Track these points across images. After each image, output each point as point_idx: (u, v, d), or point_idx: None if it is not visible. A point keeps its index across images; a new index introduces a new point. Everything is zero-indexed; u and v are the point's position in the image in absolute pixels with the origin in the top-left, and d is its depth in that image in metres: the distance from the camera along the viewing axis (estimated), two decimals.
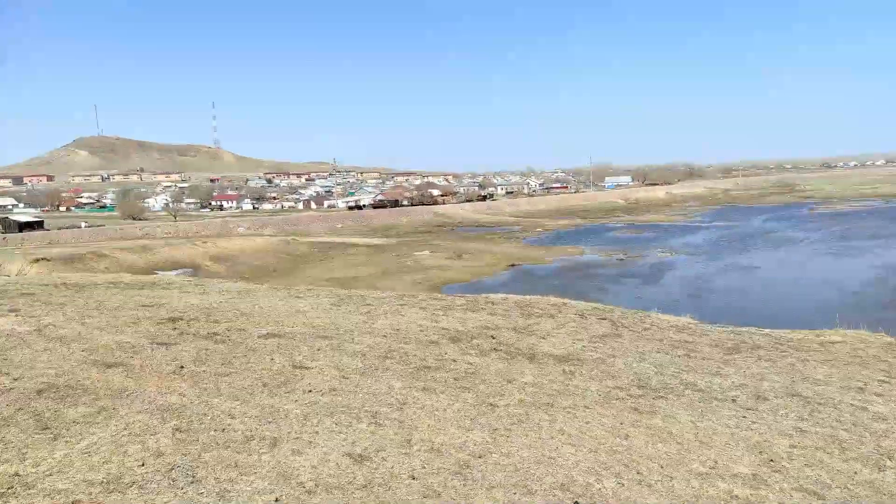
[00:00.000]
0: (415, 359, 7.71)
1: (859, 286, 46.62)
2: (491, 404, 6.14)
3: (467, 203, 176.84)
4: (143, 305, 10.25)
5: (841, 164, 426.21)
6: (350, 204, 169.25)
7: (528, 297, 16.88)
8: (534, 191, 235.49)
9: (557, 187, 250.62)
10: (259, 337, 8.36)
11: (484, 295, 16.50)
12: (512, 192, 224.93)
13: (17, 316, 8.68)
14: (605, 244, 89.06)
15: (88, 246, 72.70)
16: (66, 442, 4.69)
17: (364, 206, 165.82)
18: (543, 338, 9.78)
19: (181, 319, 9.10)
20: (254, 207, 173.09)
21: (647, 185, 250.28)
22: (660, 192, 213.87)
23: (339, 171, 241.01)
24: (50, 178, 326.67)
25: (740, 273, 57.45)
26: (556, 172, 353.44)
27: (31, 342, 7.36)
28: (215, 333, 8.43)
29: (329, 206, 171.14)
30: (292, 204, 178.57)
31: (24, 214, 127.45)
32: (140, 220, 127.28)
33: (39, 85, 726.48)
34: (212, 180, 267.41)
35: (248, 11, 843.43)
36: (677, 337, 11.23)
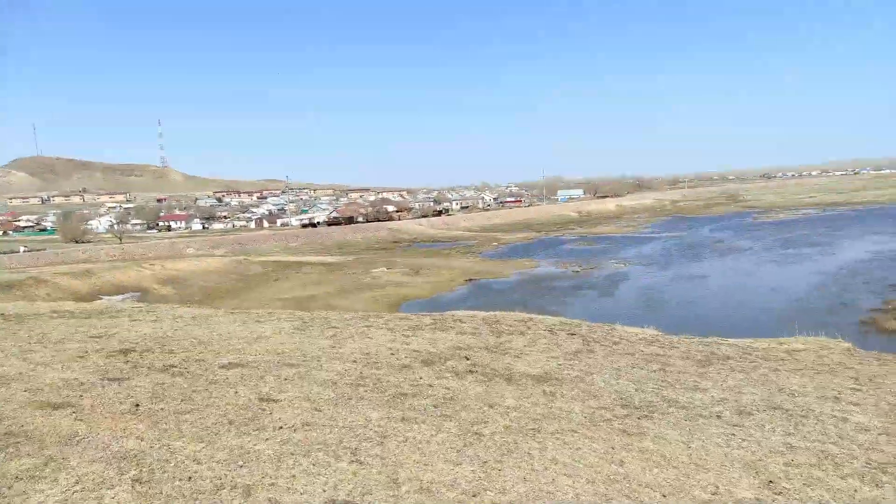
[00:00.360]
0: (389, 385, 7.31)
1: (805, 292, 48.46)
2: (476, 433, 5.80)
3: (423, 218, 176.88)
4: (92, 336, 9.51)
5: (780, 174, 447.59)
6: (304, 221, 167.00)
7: (495, 313, 16.68)
8: (488, 205, 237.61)
9: (511, 201, 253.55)
10: (220, 367, 7.81)
11: (450, 312, 16.19)
12: (467, 207, 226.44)
13: None
14: (560, 257, 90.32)
15: (27, 271, 69.09)
16: None
17: (318, 223, 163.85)
18: (518, 356, 9.53)
19: (133, 351, 8.44)
20: (203, 227, 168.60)
21: (598, 197, 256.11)
22: (610, 205, 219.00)
23: (291, 189, 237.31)
24: None
25: (693, 282, 59.00)
26: (510, 187, 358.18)
27: None
28: (172, 365, 7.83)
29: (283, 224, 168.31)
30: (244, 223, 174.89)
31: None
32: (83, 242, 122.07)
33: None
34: (159, 200, 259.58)
35: (192, 23, 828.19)
36: (648, 350, 11.17)
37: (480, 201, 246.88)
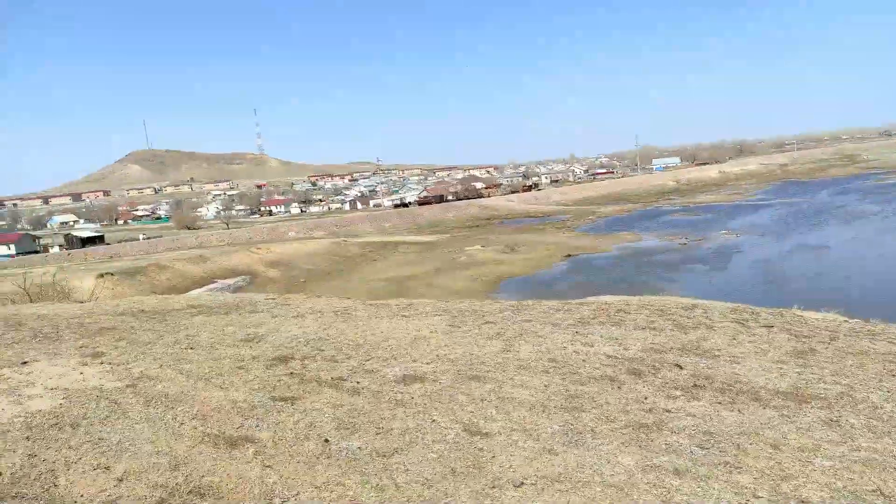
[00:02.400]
0: (614, 410, 5.82)
1: None
2: (803, 501, 4.11)
3: (513, 194, 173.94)
4: (242, 340, 8.66)
5: None
6: (396, 202, 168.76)
7: (649, 297, 14.76)
8: (579, 178, 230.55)
9: (603, 173, 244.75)
10: (396, 382, 6.64)
11: (595, 299, 14.46)
12: (557, 181, 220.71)
13: (102, 364, 7.20)
14: (662, 228, 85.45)
15: (149, 258, 73.61)
16: None
17: (410, 203, 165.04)
18: (733, 361, 7.76)
19: (292, 358, 7.45)
20: (301, 211, 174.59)
21: (697, 165, 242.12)
22: (712, 172, 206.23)
23: (382, 171, 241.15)
24: (106, 193, 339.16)
25: (823, 253, 53.32)
26: (600, 158, 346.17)
27: (126, 407, 5.80)
28: (341, 379, 6.74)
29: (375, 206, 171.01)
30: (339, 205, 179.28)
31: (85, 230, 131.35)
32: (194, 229, 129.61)
33: (91, 102, 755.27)
34: (259, 186, 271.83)
35: (280, 19, 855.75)
36: (881, 349, 8.98)
37: (571, 174, 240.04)
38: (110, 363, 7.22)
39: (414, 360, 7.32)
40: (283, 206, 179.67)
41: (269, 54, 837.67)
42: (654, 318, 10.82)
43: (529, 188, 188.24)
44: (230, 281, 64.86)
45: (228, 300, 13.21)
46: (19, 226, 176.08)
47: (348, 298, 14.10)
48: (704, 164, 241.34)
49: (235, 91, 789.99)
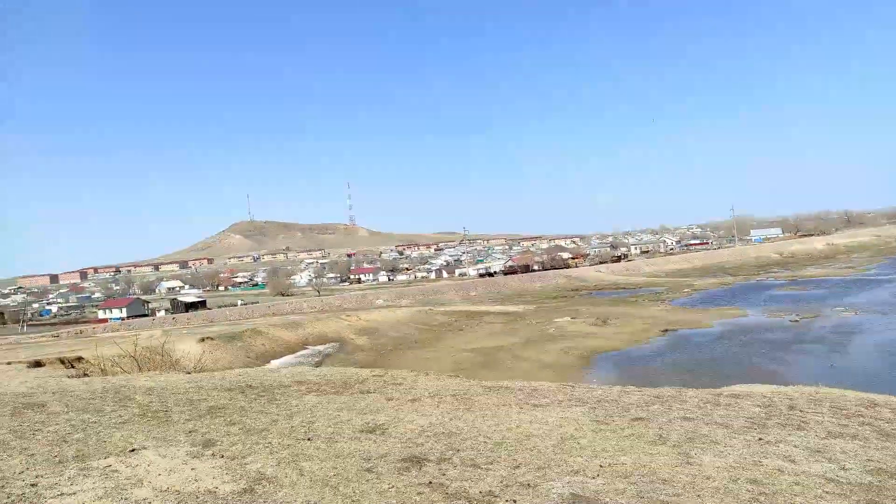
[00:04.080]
0: None
1: None
2: None
3: (601, 265, 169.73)
4: (361, 431, 7.62)
5: None
6: (481, 271, 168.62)
7: (807, 389, 12.54)
8: (671, 249, 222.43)
9: (697, 243, 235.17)
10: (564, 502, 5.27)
11: (737, 389, 12.43)
12: (647, 251, 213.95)
13: (214, 456, 6.34)
14: (767, 304, 79.49)
15: (245, 323, 76.27)
16: None
17: (495, 272, 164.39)
18: None
19: (426, 460, 6.27)
20: (389, 279, 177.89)
21: (800, 236, 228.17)
22: (818, 244, 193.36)
23: (467, 240, 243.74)
24: (210, 261, 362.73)
25: None
26: (692, 228, 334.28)
27: None
28: (492, 495, 5.45)
29: (460, 274, 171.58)
30: (424, 274, 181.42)
31: (188, 295, 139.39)
32: (288, 295, 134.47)
33: (201, 178, 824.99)
34: (349, 255, 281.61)
35: (369, 101, 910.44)
36: None
37: (662, 245, 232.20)
38: (223, 455, 6.36)
39: (575, 472, 5.93)
40: (371, 275, 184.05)
41: (364, 128, 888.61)
42: (841, 419, 8.85)
43: (619, 259, 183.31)
44: (321, 347, 65.69)
45: (335, 377, 12.34)
46: (131, 291, 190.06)
47: (462, 377, 12.88)
48: (808, 235, 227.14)
49: (330, 164, 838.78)
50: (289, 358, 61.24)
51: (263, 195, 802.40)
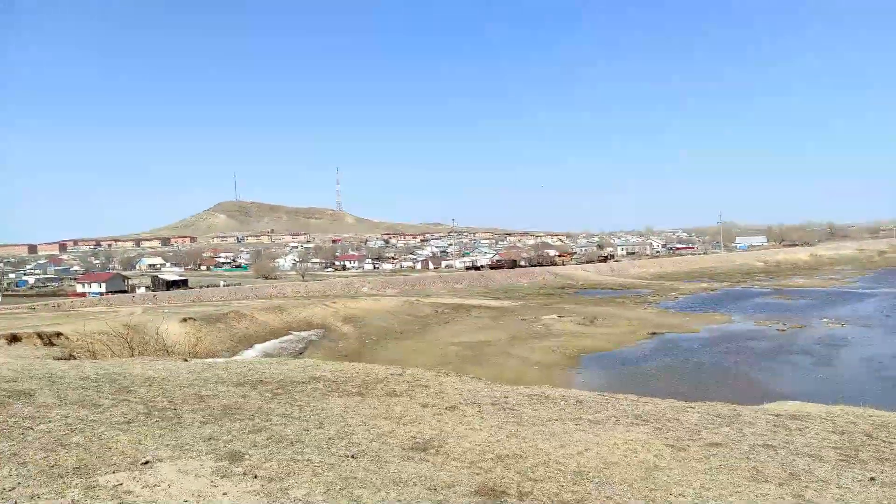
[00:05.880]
0: None
1: None
2: None
3: (589, 264, 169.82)
4: (413, 448, 6.58)
5: None
6: (467, 264, 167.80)
7: (837, 409, 11.70)
8: (657, 251, 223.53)
9: (683, 248, 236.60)
10: None
11: (785, 406, 11.62)
12: (634, 253, 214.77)
13: (245, 476, 5.23)
14: (754, 311, 79.65)
15: (229, 305, 74.60)
16: None
17: (482, 266, 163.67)
18: None
19: (506, 495, 5.20)
20: (374, 267, 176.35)
21: (784, 245, 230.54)
22: (802, 254, 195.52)
23: (454, 232, 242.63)
24: (193, 240, 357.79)
25: None
26: (677, 232, 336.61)
27: None
28: None
29: (447, 266, 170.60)
30: (410, 264, 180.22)
31: (170, 273, 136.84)
32: (272, 278, 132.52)
33: (187, 153, 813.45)
34: (334, 241, 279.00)
35: (366, 88, 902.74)
36: None
37: (648, 247, 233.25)
38: (255, 474, 5.28)
39: None
40: (356, 262, 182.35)
41: (356, 115, 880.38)
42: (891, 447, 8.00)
43: (605, 259, 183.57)
44: (305, 333, 64.32)
45: (351, 374, 11.27)
46: (112, 265, 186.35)
47: (484, 381, 11.89)
48: (793, 245, 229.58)
49: (319, 148, 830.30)
50: (273, 342, 59.86)
51: (251, 175, 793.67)
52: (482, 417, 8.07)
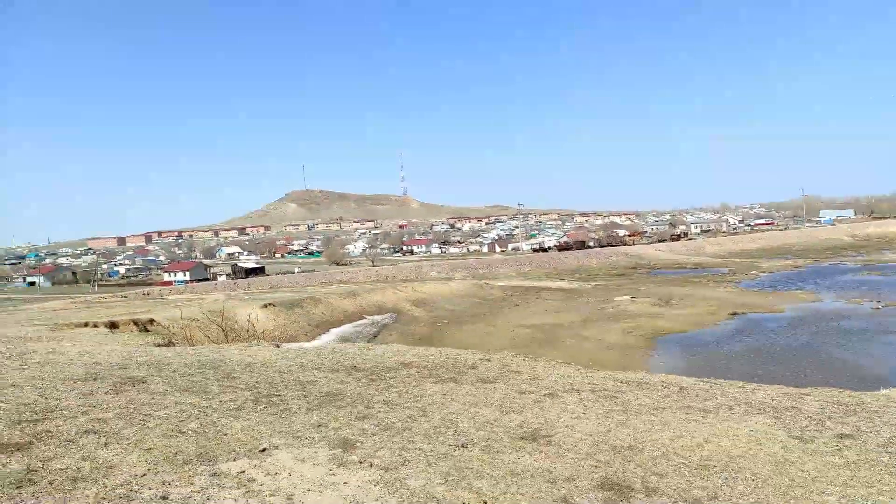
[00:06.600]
0: None
1: None
2: None
3: (661, 243, 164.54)
4: (521, 438, 6.41)
5: None
6: (534, 246, 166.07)
7: None
8: (734, 228, 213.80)
9: (761, 223, 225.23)
10: None
11: None
12: (709, 231, 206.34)
13: (361, 464, 5.20)
14: (843, 289, 74.53)
15: (304, 290, 76.94)
16: None
17: (549, 248, 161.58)
18: None
19: (631, 490, 4.88)
20: (441, 251, 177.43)
21: (874, 218, 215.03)
22: (894, 227, 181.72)
23: (520, 214, 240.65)
24: (267, 229, 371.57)
25: None
26: (755, 207, 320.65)
27: None
28: None
29: (513, 249, 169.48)
30: (476, 247, 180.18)
31: (248, 261, 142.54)
32: (342, 264, 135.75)
33: (258, 146, 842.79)
34: (401, 226, 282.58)
35: (423, 71, 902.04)
36: None
37: (724, 224, 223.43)
38: (371, 463, 5.27)
39: None
40: (423, 246, 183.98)
41: (416, 103, 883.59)
42: None
43: (678, 237, 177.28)
44: (378, 317, 65.46)
45: (439, 359, 11.22)
46: (194, 255, 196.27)
47: (574, 365, 11.56)
48: (884, 217, 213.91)
49: (384, 136, 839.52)
50: (348, 326, 61.28)
51: (319, 165, 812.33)
52: (585, 405, 7.78)
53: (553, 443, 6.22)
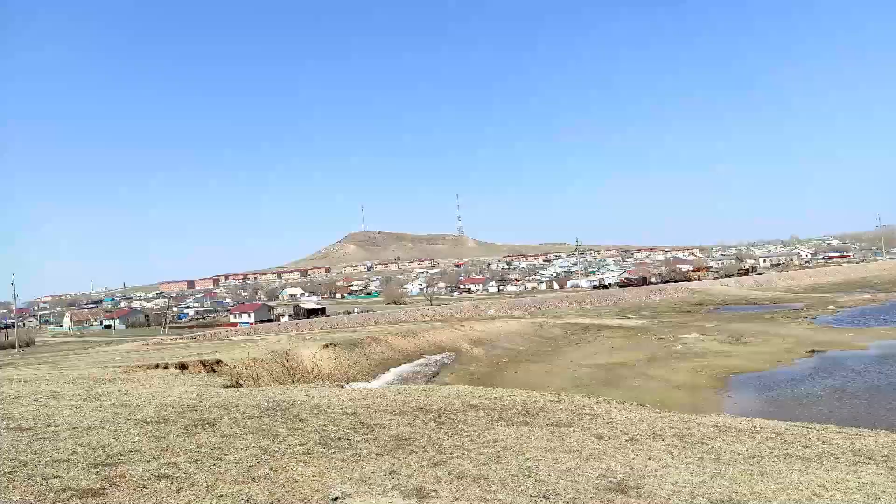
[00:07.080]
0: None
1: None
2: None
3: (728, 278, 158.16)
4: (607, 490, 5.93)
5: None
6: (594, 283, 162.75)
7: None
8: (807, 261, 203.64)
9: (836, 256, 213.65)
10: None
11: None
12: (779, 264, 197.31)
13: None
14: None
15: (363, 330, 77.58)
16: None
17: (609, 284, 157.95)
18: None
19: None
20: (498, 290, 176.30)
21: None
22: None
23: (578, 251, 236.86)
24: (327, 270, 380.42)
25: None
26: (827, 240, 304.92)
27: None
28: None
29: (572, 286, 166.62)
30: (535, 285, 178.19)
31: (309, 302, 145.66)
32: (401, 304, 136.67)
33: (318, 191, 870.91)
34: (457, 265, 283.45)
35: (476, 111, 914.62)
36: None
37: (796, 257, 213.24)
38: None
39: None
40: (480, 285, 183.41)
41: (473, 140, 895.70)
42: None
43: (746, 272, 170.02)
44: (437, 357, 65.10)
45: (508, 401, 10.80)
46: (258, 296, 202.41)
47: (650, 408, 10.89)
48: None
49: (439, 177, 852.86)
50: (407, 366, 61.08)
51: (376, 206, 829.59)
52: (671, 452, 7.21)
53: (643, 495, 5.71)
